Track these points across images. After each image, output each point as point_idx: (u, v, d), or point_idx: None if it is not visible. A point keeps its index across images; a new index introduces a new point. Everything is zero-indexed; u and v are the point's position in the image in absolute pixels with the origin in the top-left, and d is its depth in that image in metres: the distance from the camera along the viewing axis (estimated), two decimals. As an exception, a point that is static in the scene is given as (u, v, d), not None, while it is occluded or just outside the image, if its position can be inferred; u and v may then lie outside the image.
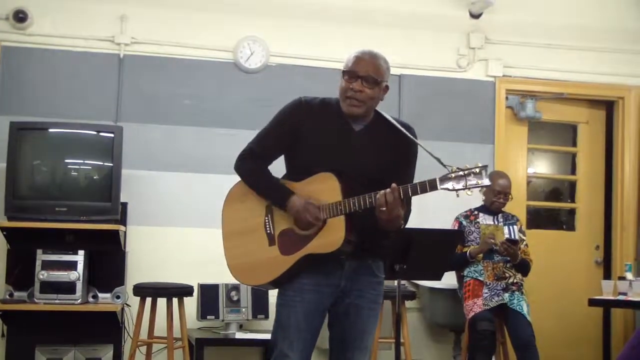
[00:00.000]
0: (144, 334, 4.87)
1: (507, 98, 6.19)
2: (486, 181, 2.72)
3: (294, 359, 2.93)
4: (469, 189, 2.74)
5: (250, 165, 3.05)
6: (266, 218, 2.99)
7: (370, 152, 2.96)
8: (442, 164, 2.83)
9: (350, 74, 2.92)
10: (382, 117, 3.03)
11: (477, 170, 2.73)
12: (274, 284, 3.00)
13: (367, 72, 2.92)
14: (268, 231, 2.98)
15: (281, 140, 3.01)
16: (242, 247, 3.02)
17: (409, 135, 3.00)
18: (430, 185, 2.75)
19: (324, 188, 2.88)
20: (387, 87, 3.01)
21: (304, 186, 2.94)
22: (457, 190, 2.75)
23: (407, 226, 3.08)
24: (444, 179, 2.75)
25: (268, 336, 4.49)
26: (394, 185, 2.76)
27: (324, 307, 2.99)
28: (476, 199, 5.35)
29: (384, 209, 2.76)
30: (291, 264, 2.91)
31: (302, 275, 2.93)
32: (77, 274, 4.87)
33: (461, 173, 2.74)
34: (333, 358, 3.05)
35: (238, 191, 3.08)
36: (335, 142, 2.94)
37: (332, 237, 2.86)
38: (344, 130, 2.97)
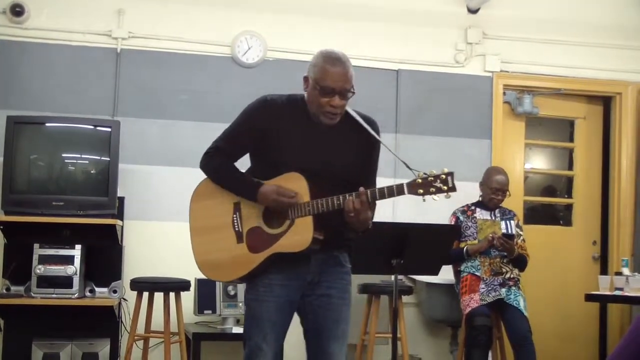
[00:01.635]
0: (141, 329, 4.87)
1: (504, 93, 6.19)
2: (452, 187, 2.79)
3: (268, 351, 2.97)
4: (436, 194, 2.80)
5: (217, 161, 3.08)
6: (234, 216, 3.02)
7: (337, 150, 2.98)
8: (408, 167, 2.89)
9: (327, 90, 2.89)
10: (346, 113, 3.03)
11: (444, 176, 2.80)
12: (243, 280, 3.04)
13: (343, 87, 2.90)
14: (236, 229, 3.01)
15: (247, 139, 3.04)
16: (211, 244, 3.05)
17: (373, 132, 3.03)
18: (397, 190, 2.81)
19: (292, 188, 2.91)
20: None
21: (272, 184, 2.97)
22: (423, 195, 2.81)
23: (404, 221, 3.10)
24: (412, 184, 2.81)
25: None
26: (362, 189, 2.81)
27: (293, 300, 3.03)
28: (473, 195, 5.36)
29: (352, 214, 2.81)
30: (259, 262, 2.96)
31: (270, 270, 2.97)
32: (74, 269, 4.87)
33: (428, 179, 2.79)
34: (310, 349, 3.09)
35: (205, 188, 3.11)
36: (301, 141, 2.96)
37: (300, 236, 2.90)
38: (310, 129, 2.98)
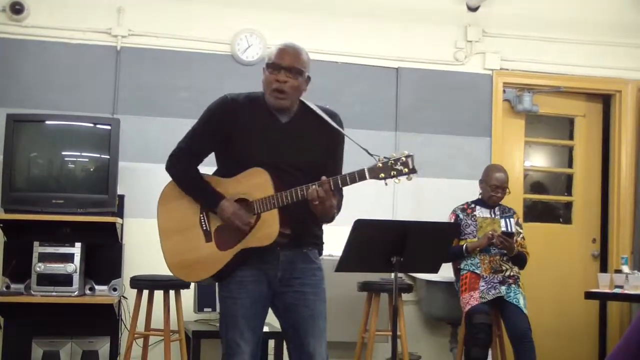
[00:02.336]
0: (140, 327, 4.87)
1: (504, 91, 6.19)
2: (413, 169, 2.82)
3: (245, 347, 2.99)
4: (397, 177, 2.83)
5: (181, 166, 3.11)
6: (201, 215, 3.04)
7: (298, 143, 3.01)
8: (369, 153, 2.91)
9: (273, 66, 2.98)
10: (307, 107, 3.07)
11: (404, 159, 2.83)
12: (215, 278, 3.05)
13: (290, 63, 2.97)
14: (204, 228, 3.04)
15: (210, 139, 3.07)
16: (180, 244, 3.07)
17: (334, 124, 3.05)
18: (359, 176, 2.84)
19: (255, 183, 2.94)
20: (309, 78, 3.07)
21: (236, 182, 2.99)
22: (385, 179, 2.84)
23: (404, 219, 3.11)
24: (372, 169, 2.84)
25: (265, 329, 4.51)
26: (323, 178, 2.84)
27: (266, 296, 3.05)
28: (472, 193, 5.36)
29: (317, 202, 2.83)
30: (229, 259, 2.98)
31: (242, 268, 2.99)
32: (74, 267, 4.87)
33: (389, 162, 2.83)
34: (290, 347, 3.11)
35: (171, 191, 3.13)
36: (263, 136, 2.99)
37: (266, 230, 2.92)
38: (271, 124, 3.01)
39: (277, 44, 3.05)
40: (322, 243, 3.16)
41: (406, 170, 2.82)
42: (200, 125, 3.13)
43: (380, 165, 2.83)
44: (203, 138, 3.10)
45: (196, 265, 3.05)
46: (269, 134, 3.00)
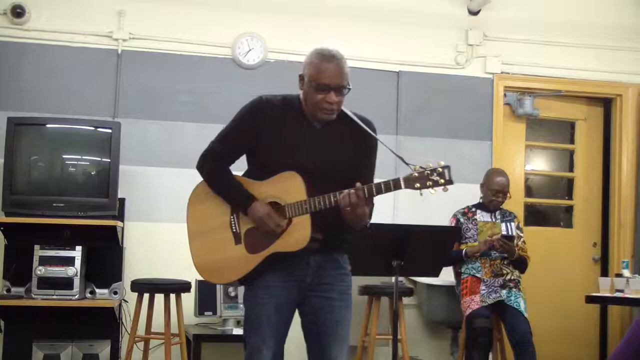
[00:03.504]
0: (141, 330, 4.87)
1: (505, 95, 6.19)
2: (449, 180, 2.78)
3: (268, 353, 2.97)
4: (432, 187, 2.80)
5: (212, 166, 3.07)
6: (232, 217, 3.02)
7: (332, 149, 2.98)
8: (405, 162, 2.88)
9: (322, 87, 2.89)
10: (342, 112, 3.02)
11: (440, 169, 2.79)
12: (242, 281, 3.04)
13: (338, 83, 2.90)
14: (234, 230, 3.01)
15: (243, 140, 3.02)
16: (208, 245, 3.04)
17: (369, 130, 3.02)
18: (394, 185, 2.81)
19: (288, 187, 2.91)
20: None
21: (268, 185, 2.96)
22: (420, 189, 2.80)
23: (404, 222, 3.09)
24: (408, 178, 2.80)
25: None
26: (358, 184, 2.81)
27: (292, 301, 3.02)
28: (473, 197, 5.36)
29: (349, 208, 2.80)
30: (258, 262, 2.95)
31: (269, 272, 2.96)
32: (74, 270, 4.87)
33: (425, 172, 2.79)
34: (311, 352, 3.08)
35: (202, 191, 3.09)
36: (297, 141, 2.95)
37: (297, 235, 2.90)
38: (306, 128, 2.98)
39: (320, 56, 2.92)
40: (351, 248, 3.12)
41: (442, 181, 2.78)
42: (233, 125, 3.06)
43: (417, 175, 2.79)
44: (236, 139, 3.04)
45: (224, 268, 3.02)
46: (303, 138, 2.96)
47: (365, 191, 2.80)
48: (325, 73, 2.88)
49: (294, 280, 2.99)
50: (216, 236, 3.03)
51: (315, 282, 3.01)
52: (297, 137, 2.96)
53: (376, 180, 2.92)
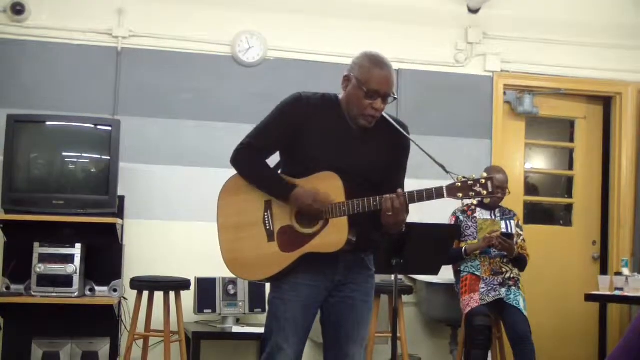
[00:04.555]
0: (140, 328, 4.87)
1: (504, 93, 6.19)
2: (492, 192, 2.80)
3: (290, 351, 2.94)
4: (475, 198, 2.82)
5: (249, 158, 3.02)
6: (265, 214, 2.97)
7: (369, 152, 2.97)
8: (446, 171, 2.88)
9: (372, 93, 2.88)
10: (380, 115, 3.01)
11: (484, 181, 2.81)
12: (271, 279, 3.00)
13: (387, 91, 2.90)
14: (267, 227, 2.97)
15: (280, 136, 2.99)
16: (240, 241, 3.00)
17: (406, 135, 3.03)
18: (437, 193, 2.81)
19: (327, 187, 2.88)
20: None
21: (307, 183, 2.93)
22: (462, 199, 2.83)
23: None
24: (451, 188, 2.82)
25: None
26: (399, 190, 2.81)
27: (318, 301, 3.01)
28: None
29: (390, 213, 2.79)
30: (291, 262, 2.92)
31: (297, 270, 2.94)
32: (74, 267, 4.87)
33: (468, 183, 2.81)
34: (328, 351, 3.07)
35: (235, 184, 3.05)
36: (334, 141, 2.94)
37: (334, 237, 2.87)
38: (344, 130, 2.96)
39: (373, 61, 2.91)
40: (379, 247, 3.13)
41: (485, 192, 2.80)
42: (270, 121, 3.02)
43: (459, 185, 2.81)
44: (272, 135, 3.00)
45: (255, 265, 2.98)
46: (339, 138, 2.94)
47: (407, 197, 2.81)
48: (377, 80, 2.88)
49: (322, 279, 2.98)
50: (248, 232, 2.98)
51: (342, 281, 3.00)
52: (335, 137, 2.94)
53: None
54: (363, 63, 2.91)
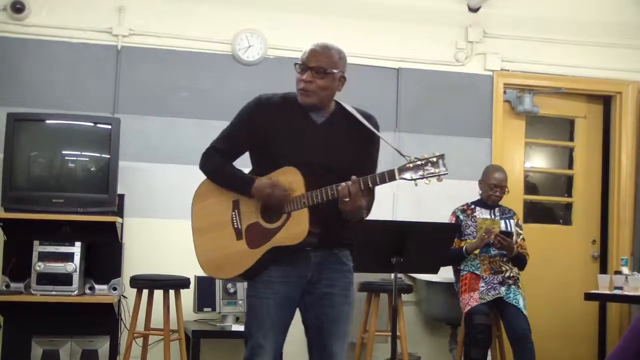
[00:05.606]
0: (140, 326, 4.87)
1: (504, 92, 6.19)
2: (443, 170, 2.80)
3: (269, 348, 2.99)
4: (427, 178, 2.82)
5: (214, 161, 3.11)
6: (233, 213, 3.05)
7: (333, 145, 3.01)
8: (400, 154, 2.90)
9: (301, 66, 2.99)
10: (343, 108, 3.07)
11: (435, 159, 2.81)
12: (244, 276, 3.06)
13: (317, 63, 2.97)
14: (235, 226, 3.04)
15: (243, 138, 3.08)
16: (212, 242, 3.08)
17: (370, 126, 3.04)
18: (389, 176, 2.83)
19: (287, 182, 2.94)
20: (343, 78, 3.07)
21: (267, 179, 2.99)
22: (415, 179, 2.82)
23: (404, 219, 3.09)
24: (402, 169, 2.83)
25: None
26: (354, 177, 2.83)
27: (294, 298, 3.04)
28: (473, 194, 5.36)
29: (347, 199, 2.82)
30: (258, 257, 2.98)
31: (270, 268, 3.00)
32: (73, 266, 4.87)
33: (419, 162, 2.81)
34: (312, 350, 3.10)
35: (205, 188, 3.14)
36: (297, 137, 2.99)
37: (296, 229, 2.93)
38: (306, 124, 3.02)
39: (312, 44, 3.05)
40: (354, 244, 3.14)
41: (437, 171, 2.80)
42: (233, 125, 3.13)
43: (411, 165, 2.82)
44: (237, 138, 3.10)
45: (226, 263, 3.06)
46: (303, 134, 3.00)
47: (362, 183, 2.83)
48: (307, 54, 3.01)
49: (295, 276, 3.02)
50: (219, 233, 3.06)
51: (316, 278, 3.03)
52: (297, 133, 3.00)
53: None
54: (305, 49, 3.04)
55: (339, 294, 3.05)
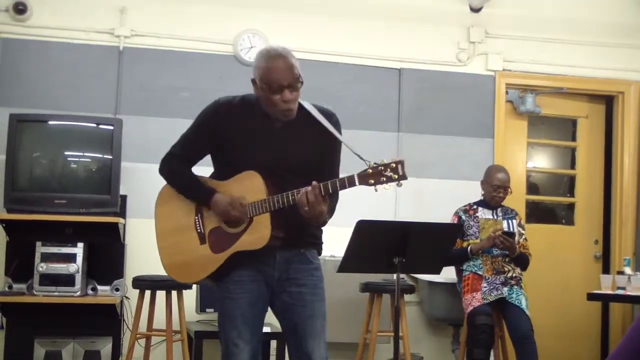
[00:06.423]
0: (142, 327, 4.88)
1: (507, 92, 6.19)
2: (402, 176, 2.77)
3: (244, 347, 2.98)
4: (387, 183, 2.79)
5: (173, 168, 3.11)
6: (196, 217, 3.05)
7: (293, 146, 2.98)
8: (361, 158, 2.85)
9: (275, 88, 2.87)
10: (302, 108, 3.01)
11: (394, 165, 2.78)
12: (212, 279, 3.05)
13: (291, 80, 2.89)
14: (199, 230, 3.04)
15: (202, 143, 3.08)
16: (175, 246, 3.08)
17: (330, 126, 3.00)
18: (349, 182, 2.80)
19: (248, 186, 2.93)
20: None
21: (229, 185, 2.99)
22: (375, 185, 2.79)
23: (406, 220, 3.08)
24: (362, 175, 2.80)
25: (267, 329, 4.51)
26: (314, 183, 2.80)
27: (264, 296, 3.04)
28: (475, 194, 5.36)
29: (306, 208, 2.80)
30: (222, 262, 2.98)
31: (239, 267, 2.99)
32: (76, 267, 4.88)
33: (379, 168, 2.78)
34: (291, 348, 3.09)
35: (168, 191, 3.13)
36: (257, 140, 2.97)
37: (259, 234, 2.92)
38: (266, 127, 2.98)
39: (266, 57, 2.90)
40: (321, 243, 3.14)
41: (395, 176, 2.77)
42: (192, 129, 3.13)
43: (370, 171, 2.79)
44: (196, 143, 3.10)
45: (190, 267, 3.06)
46: (263, 137, 2.98)
47: (322, 189, 2.80)
48: (275, 74, 2.87)
49: (262, 274, 3.02)
50: (182, 237, 3.06)
51: (283, 277, 3.03)
52: (257, 136, 2.97)
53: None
54: (258, 64, 2.92)
55: (309, 292, 3.04)
